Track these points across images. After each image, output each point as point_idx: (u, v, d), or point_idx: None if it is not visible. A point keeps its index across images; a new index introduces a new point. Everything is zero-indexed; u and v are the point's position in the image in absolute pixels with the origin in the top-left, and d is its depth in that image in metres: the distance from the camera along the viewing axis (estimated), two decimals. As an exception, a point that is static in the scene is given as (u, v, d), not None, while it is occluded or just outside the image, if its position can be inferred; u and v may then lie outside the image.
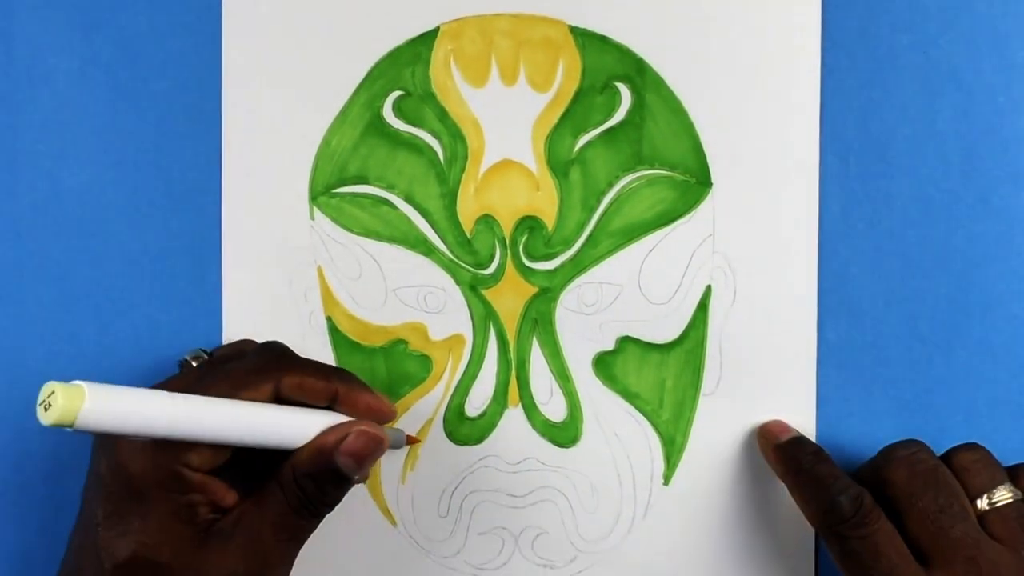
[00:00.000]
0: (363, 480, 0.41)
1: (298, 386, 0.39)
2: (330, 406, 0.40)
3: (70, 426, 0.33)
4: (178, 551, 0.37)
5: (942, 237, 0.45)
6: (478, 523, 0.46)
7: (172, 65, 0.46)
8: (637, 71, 0.45)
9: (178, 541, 0.37)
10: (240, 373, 0.38)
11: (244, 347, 0.43)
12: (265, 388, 0.38)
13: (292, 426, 0.39)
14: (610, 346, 0.45)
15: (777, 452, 0.43)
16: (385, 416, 0.40)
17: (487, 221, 0.44)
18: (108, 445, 0.38)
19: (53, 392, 0.33)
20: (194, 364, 0.43)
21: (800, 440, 0.43)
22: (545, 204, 0.44)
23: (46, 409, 0.33)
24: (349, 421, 0.39)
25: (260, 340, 0.44)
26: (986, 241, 0.44)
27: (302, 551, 0.41)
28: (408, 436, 0.44)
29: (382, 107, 0.46)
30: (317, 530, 0.41)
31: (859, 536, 0.39)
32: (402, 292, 0.45)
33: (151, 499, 0.37)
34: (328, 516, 0.41)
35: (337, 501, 0.39)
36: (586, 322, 0.45)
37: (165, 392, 0.36)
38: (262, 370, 0.39)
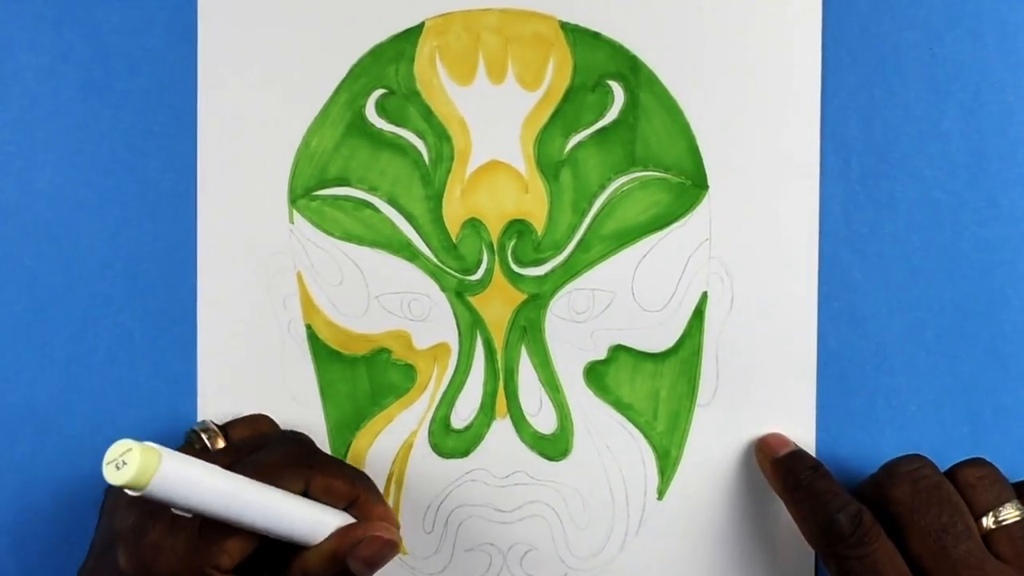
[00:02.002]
0: None
1: (326, 487, 0.40)
2: (346, 508, 0.41)
3: (140, 489, 0.33)
4: None
5: (948, 241, 0.44)
6: (465, 539, 0.45)
7: (146, 62, 0.46)
8: (630, 69, 0.44)
9: None
10: (272, 466, 0.39)
11: (263, 428, 0.43)
12: (297, 484, 0.39)
13: (315, 522, 0.39)
14: (602, 355, 0.45)
15: (775, 466, 0.43)
16: (392, 523, 0.42)
17: (474, 225, 0.43)
18: (132, 538, 0.38)
19: (130, 450, 0.33)
20: (204, 438, 0.43)
21: (798, 454, 0.43)
22: (534, 207, 0.44)
23: (118, 468, 0.33)
24: (363, 524, 0.40)
25: (237, 352, 0.44)
26: (993, 246, 0.44)
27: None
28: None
29: (364, 106, 0.45)
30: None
31: (857, 556, 0.39)
32: (385, 299, 0.44)
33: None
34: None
35: None
36: (577, 330, 0.45)
37: (228, 472, 0.37)
38: (294, 466, 0.40)
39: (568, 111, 0.44)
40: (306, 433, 0.44)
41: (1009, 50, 0.44)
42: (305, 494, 0.40)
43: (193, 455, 0.39)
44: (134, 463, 0.33)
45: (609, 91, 0.45)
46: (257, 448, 0.40)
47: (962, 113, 0.44)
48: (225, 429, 0.44)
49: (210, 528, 0.37)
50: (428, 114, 0.43)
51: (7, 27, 0.45)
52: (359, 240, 0.45)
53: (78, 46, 0.46)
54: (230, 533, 0.38)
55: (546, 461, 0.45)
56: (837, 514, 0.40)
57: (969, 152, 0.44)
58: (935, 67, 0.44)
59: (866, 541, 0.40)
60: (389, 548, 0.40)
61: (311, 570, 0.39)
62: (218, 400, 0.45)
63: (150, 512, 0.38)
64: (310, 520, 0.39)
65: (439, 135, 0.43)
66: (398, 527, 0.42)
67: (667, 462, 0.45)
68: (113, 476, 0.33)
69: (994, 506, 0.40)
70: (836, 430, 0.45)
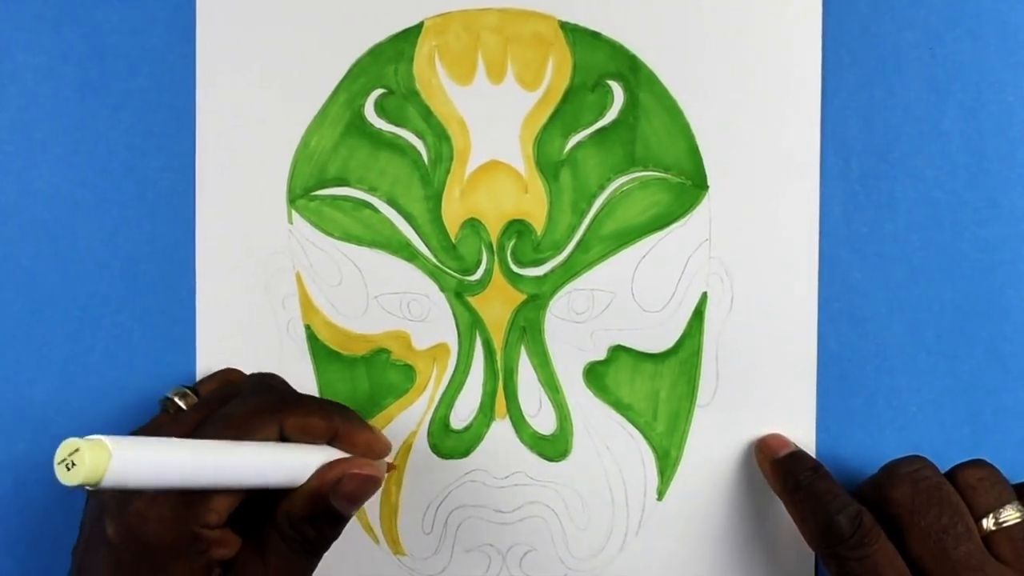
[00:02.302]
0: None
1: (301, 427, 0.40)
2: (329, 442, 0.40)
3: (95, 485, 0.32)
4: None
5: (948, 242, 0.44)
6: (464, 540, 0.45)
7: (144, 62, 0.45)
8: (630, 68, 0.44)
9: None
10: (242, 417, 0.39)
11: (233, 379, 0.43)
12: (270, 431, 0.39)
13: (295, 466, 0.39)
14: (602, 355, 0.45)
15: (775, 467, 0.43)
16: (381, 453, 0.41)
17: (473, 225, 0.43)
18: (116, 509, 0.38)
19: (77, 450, 0.32)
20: (179, 402, 0.43)
21: (798, 455, 0.43)
22: (534, 207, 0.44)
23: (68, 468, 0.32)
24: (344, 460, 0.40)
25: (235, 352, 0.44)
26: (993, 246, 0.44)
27: None
28: (388, 463, 0.44)
29: (363, 106, 0.45)
30: None
31: (857, 557, 0.39)
32: (384, 299, 0.44)
33: (167, 567, 0.37)
34: None
35: (335, 539, 0.40)
36: (576, 330, 0.45)
37: (188, 440, 0.36)
38: (264, 412, 0.39)
39: (567, 111, 0.44)
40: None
41: (1009, 50, 0.44)
42: (282, 438, 0.40)
43: (168, 421, 0.39)
44: (84, 462, 0.32)
45: (609, 91, 0.45)
46: (227, 400, 0.40)
47: (962, 113, 0.44)
48: (196, 389, 0.43)
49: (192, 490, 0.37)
50: (427, 114, 0.43)
51: (6, 27, 0.45)
52: (358, 240, 0.45)
53: (76, 45, 0.46)
54: (213, 491, 0.38)
55: (546, 462, 0.45)
56: (837, 515, 0.40)
57: (969, 152, 0.44)
58: (935, 67, 0.44)
59: (866, 542, 0.40)
60: (371, 483, 0.40)
61: (295, 513, 0.39)
62: (217, 400, 0.45)
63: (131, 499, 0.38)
64: (288, 465, 0.39)
65: (438, 135, 0.43)
66: (389, 448, 0.42)
67: (667, 463, 0.45)
68: (65, 477, 0.32)
69: (994, 508, 0.40)
70: (836, 430, 0.45)
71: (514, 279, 0.44)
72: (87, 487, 0.32)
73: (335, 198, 0.46)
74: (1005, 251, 0.44)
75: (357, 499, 0.40)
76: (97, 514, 0.39)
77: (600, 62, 0.45)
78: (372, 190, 0.45)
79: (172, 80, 0.46)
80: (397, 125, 0.45)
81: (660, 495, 0.45)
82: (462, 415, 0.45)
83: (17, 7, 0.45)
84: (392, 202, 0.44)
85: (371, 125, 0.45)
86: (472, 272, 0.44)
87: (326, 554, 0.43)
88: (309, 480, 0.39)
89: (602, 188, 0.45)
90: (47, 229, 0.46)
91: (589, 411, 0.45)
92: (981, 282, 0.44)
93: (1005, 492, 0.41)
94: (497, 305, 0.44)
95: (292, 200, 0.45)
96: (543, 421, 0.45)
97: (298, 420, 0.40)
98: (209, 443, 0.37)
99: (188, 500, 0.37)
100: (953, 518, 0.39)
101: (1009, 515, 0.40)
